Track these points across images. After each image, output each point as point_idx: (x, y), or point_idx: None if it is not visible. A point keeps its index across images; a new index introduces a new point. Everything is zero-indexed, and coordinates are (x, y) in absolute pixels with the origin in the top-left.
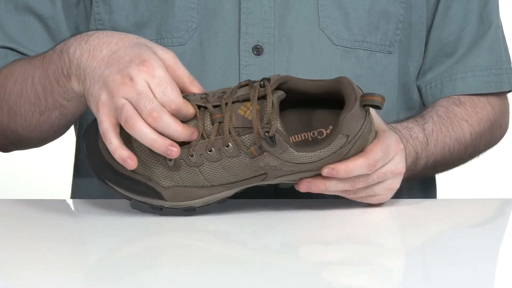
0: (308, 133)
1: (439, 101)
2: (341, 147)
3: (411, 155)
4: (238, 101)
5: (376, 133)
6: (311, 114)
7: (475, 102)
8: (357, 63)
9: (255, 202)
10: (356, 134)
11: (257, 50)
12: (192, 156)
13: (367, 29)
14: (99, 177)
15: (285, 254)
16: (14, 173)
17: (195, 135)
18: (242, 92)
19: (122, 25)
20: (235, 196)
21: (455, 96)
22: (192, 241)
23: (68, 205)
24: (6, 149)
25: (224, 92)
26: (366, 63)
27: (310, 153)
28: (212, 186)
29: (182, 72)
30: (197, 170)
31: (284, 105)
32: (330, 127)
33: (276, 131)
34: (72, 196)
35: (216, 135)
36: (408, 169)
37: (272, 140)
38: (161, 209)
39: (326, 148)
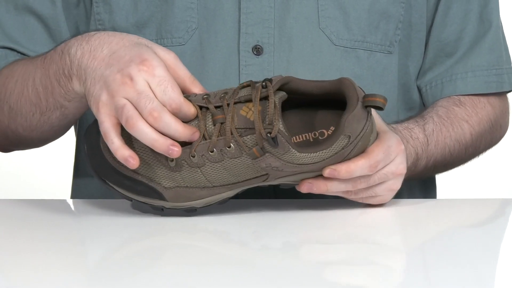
0: (310, 133)
1: (439, 101)
2: (343, 148)
3: (412, 156)
4: (240, 102)
5: (377, 134)
6: (312, 114)
7: (475, 102)
8: (357, 63)
9: (255, 202)
10: (358, 135)
11: (257, 50)
12: (193, 156)
13: (367, 29)
14: (100, 177)
15: (286, 254)
16: (14, 173)
17: (196, 135)
18: (244, 92)
19: (122, 25)
20: (235, 196)
21: (455, 97)
22: (192, 241)
23: (68, 205)
24: (7, 149)
25: (226, 93)
26: (366, 63)
27: (312, 154)
28: (214, 186)
29: (183, 73)
30: (199, 170)
31: (286, 106)
32: (332, 128)
33: (278, 132)
34: (72, 196)
35: (218, 136)
36: (408, 169)
37: (274, 141)
38: (162, 209)
39: (328, 149)
